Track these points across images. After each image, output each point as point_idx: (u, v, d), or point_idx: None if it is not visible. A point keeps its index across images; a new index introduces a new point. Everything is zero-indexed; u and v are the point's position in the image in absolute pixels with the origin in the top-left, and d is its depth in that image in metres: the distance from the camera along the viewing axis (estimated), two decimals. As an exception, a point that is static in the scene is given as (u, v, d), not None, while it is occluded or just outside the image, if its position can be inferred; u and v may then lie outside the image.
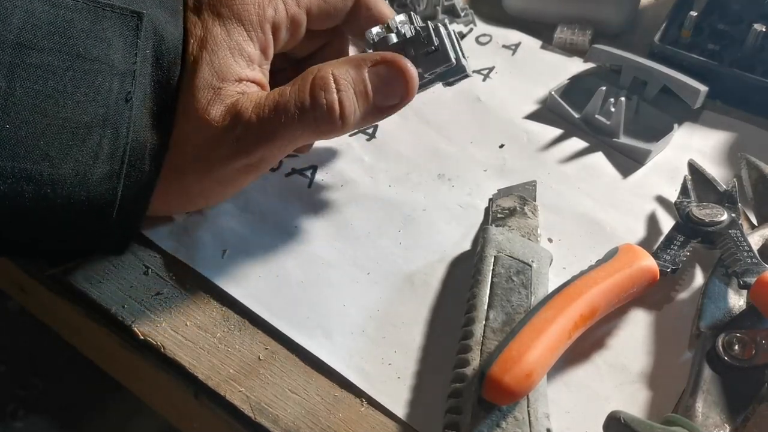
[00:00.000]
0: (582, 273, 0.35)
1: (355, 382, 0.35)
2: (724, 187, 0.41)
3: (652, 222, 0.42)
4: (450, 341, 0.36)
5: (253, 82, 0.36)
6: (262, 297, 0.38)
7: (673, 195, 0.43)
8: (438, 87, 0.38)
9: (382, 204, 0.43)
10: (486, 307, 0.35)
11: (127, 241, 0.39)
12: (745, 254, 0.36)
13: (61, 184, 0.32)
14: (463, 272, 0.39)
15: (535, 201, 0.42)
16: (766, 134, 0.46)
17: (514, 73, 0.51)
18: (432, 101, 0.48)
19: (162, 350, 0.36)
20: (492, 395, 0.31)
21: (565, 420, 0.34)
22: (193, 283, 0.39)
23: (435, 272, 0.40)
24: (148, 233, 0.40)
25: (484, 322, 0.34)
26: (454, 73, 0.38)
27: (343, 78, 0.35)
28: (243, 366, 0.36)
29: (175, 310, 0.38)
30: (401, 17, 0.38)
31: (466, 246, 0.41)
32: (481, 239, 0.38)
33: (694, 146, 0.46)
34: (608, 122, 0.45)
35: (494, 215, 0.41)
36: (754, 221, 0.40)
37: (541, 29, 0.53)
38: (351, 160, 0.45)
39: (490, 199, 0.43)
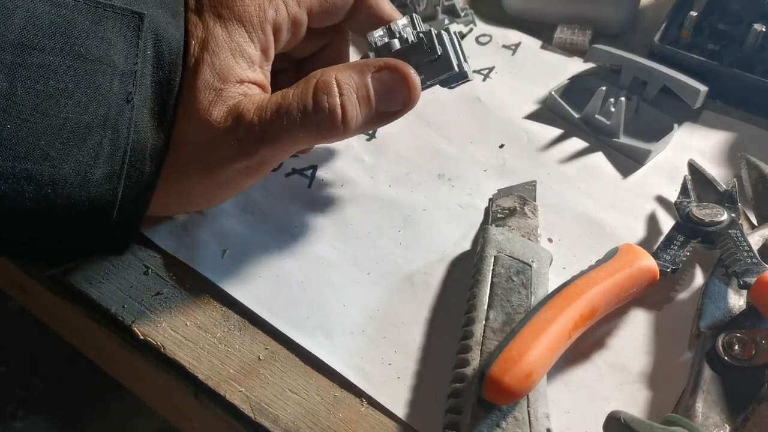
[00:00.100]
0: (582, 273, 0.35)
1: (355, 382, 0.35)
2: (724, 187, 0.41)
3: (652, 222, 0.42)
4: (450, 341, 0.36)
5: (254, 83, 0.36)
6: (262, 297, 0.38)
7: (673, 195, 0.43)
8: (438, 88, 0.38)
9: (382, 204, 0.43)
10: (486, 307, 0.35)
11: (127, 242, 0.39)
12: (745, 254, 0.36)
13: (61, 185, 0.32)
14: (463, 272, 0.39)
15: (535, 201, 0.42)
16: (766, 134, 0.46)
17: (514, 73, 0.51)
18: (432, 102, 0.48)
19: (162, 350, 0.36)
20: (492, 395, 0.31)
21: (565, 420, 0.34)
22: (193, 283, 0.39)
23: (435, 272, 0.40)
24: (148, 233, 0.40)
25: (484, 322, 0.34)
26: (456, 79, 0.38)
27: (346, 82, 0.35)
28: (243, 366, 0.36)
29: (175, 310, 0.38)
30: (403, 21, 0.38)
31: (466, 246, 0.41)
32: (481, 239, 0.38)
33: (694, 146, 0.46)
34: (608, 122, 0.45)
35: (494, 215, 0.41)
36: (754, 221, 0.40)
37: (541, 29, 0.53)
38: (351, 160, 0.45)
39: (490, 199, 0.43)
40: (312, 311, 0.38)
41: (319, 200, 0.43)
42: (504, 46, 0.53)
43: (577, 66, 0.50)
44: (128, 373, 0.45)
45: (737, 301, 0.36)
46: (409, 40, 0.38)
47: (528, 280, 0.36)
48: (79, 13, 0.32)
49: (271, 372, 0.36)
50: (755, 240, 0.38)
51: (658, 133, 0.45)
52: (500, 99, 0.49)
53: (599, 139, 0.46)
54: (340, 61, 0.42)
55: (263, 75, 0.37)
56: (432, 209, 0.43)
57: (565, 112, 0.47)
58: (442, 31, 0.38)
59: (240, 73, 0.35)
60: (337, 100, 0.35)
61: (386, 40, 0.38)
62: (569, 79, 0.49)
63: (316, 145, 0.45)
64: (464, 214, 0.42)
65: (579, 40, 0.52)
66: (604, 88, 0.45)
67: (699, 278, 0.39)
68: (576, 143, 0.46)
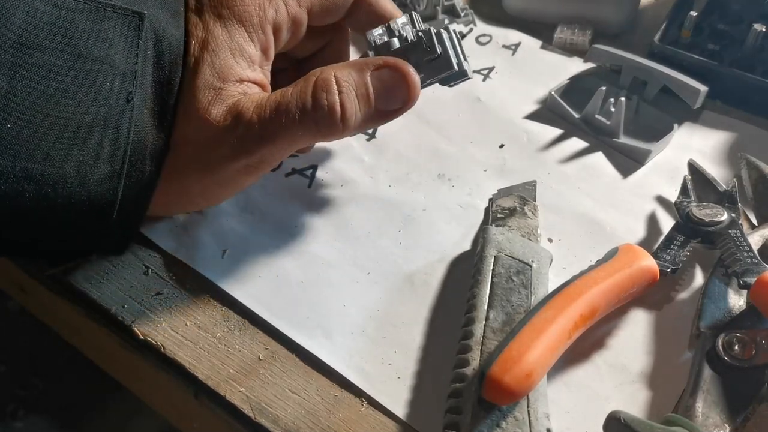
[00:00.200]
0: (582, 273, 0.35)
1: (355, 382, 0.35)
2: (724, 187, 0.41)
3: (652, 222, 0.42)
4: (450, 341, 0.36)
5: (254, 82, 0.36)
6: (262, 297, 0.38)
7: (673, 195, 0.43)
8: (438, 87, 0.38)
9: (382, 204, 0.43)
10: (486, 307, 0.35)
11: (127, 241, 0.39)
12: (745, 254, 0.36)
13: (61, 184, 0.32)
14: (463, 272, 0.39)
15: (535, 201, 0.42)
16: (766, 134, 0.46)
17: (514, 73, 0.51)
18: (432, 101, 0.48)
19: (162, 350, 0.36)
20: (492, 395, 0.31)
21: (565, 420, 0.34)
22: (193, 283, 0.39)
23: (435, 272, 0.40)
24: (148, 233, 0.40)
25: (484, 322, 0.34)
26: (455, 77, 0.38)
27: (345, 80, 0.35)
28: (243, 366, 0.36)
29: (175, 310, 0.38)
30: (403, 19, 0.38)
31: (466, 246, 0.41)
32: (481, 239, 0.38)
33: (694, 146, 0.46)
34: (608, 122, 0.45)
35: (494, 215, 0.41)
36: (754, 221, 0.40)
37: (541, 29, 0.53)
38: (351, 160, 0.45)
39: (490, 199, 0.43)
40: (312, 311, 0.38)
41: (319, 200, 0.43)
42: (504, 46, 0.53)
43: (577, 66, 0.50)
44: (128, 373, 0.45)
45: (737, 301, 0.36)
46: (409, 39, 0.38)
47: (528, 280, 0.36)
48: (80, 13, 0.32)
49: (271, 372, 0.36)
50: (755, 240, 0.38)
51: (658, 133, 0.45)
52: (500, 99, 0.49)
53: (599, 139, 0.46)
54: (340, 61, 0.42)
55: (263, 74, 0.37)
56: (432, 209, 0.43)
57: (565, 112, 0.47)
58: (442, 30, 0.38)
59: (240, 73, 0.35)
60: (336, 97, 0.35)
61: (386, 38, 0.38)
62: (569, 79, 0.49)
63: (315, 145, 0.45)
64: (464, 214, 0.42)
65: (579, 40, 0.52)
66: (604, 88, 0.45)
67: (699, 278, 0.39)
68: (576, 143, 0.46)
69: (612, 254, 0.36)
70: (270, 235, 0.41)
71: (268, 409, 0.35)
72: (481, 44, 0.53)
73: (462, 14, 0.54)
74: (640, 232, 0.41)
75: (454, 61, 0.37)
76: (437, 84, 0.38)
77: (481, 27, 0.54)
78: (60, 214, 0.33)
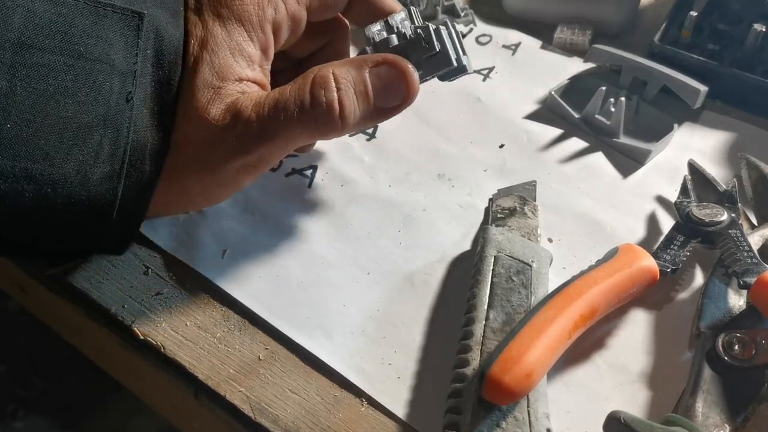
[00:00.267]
0: (582, 273, 0.35)
1: (355, 382, 0.35)
2: (724, 187, 0.41)
3: (652, 222, 0.42)
4: (450, 341, 0.36)
5: (253, 82, 0.36)
6: (262, 297, 0.38)
7: (673, 195, 0.43)
8: (438, 87, 0.38)
9: (382, 204, 0.43)
10: (486, 307, 0.35)
11: (127, 242, 0.39)
12: (745, 254, 0.36)
13: (61, 184, 0.32)
14: (463, 272, 0.39)
15: (535, 201, 0.42)
16: (766, 134, 0.46)
17: (514, 73, 0.51)
18: (432, 101, 0.48)
19: (162, 350, 0.36)
20: (492, 395, 0.31)
21: (565, 420, 0.34)
22: (193, 283, 0.39)
23: (435, 272, 0.40)
24: (148, 233, 0.40)
25: (484, 322, 0.34)
26: (454, 73, 0.38)
27: (343, 77, 0.35)
28: (243, 366, 0.36)
29: (175, 310, 0.38)
30: (401, 15, 0.38)
31: (466, 246, 0.41)
32: (481, 239, 0.38)
33: (694, 146, 0.46)
34: (608, 122, 0.45)
35: (494, 215, 0.41)
36: (754, 221, 0.40)
37: (541, 29, 0.53)
38: (351, 160, 0.45)
39: (490, 199, 0.43)
40: (312, 311, 0.38)
41: (319, 200, 0.43)
42: (504, 46, 0.53)
43: (577, 66, 0.50)
44: (128, 373, 0.45)
45: (737, 301, 0.36)
46: (408, 36, 0.37)
47: (528, 280, 0.36)
48: (79, 13, 0.32)
49: (271, 372, 0.36)
50: (755, 240, 0.38)
51: (658, 133, 0.45)
52: (500, 99, 0.49)
53: (599, 139, 0.46)
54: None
55: (263, 74, 0.37)
56: (432, 209, 0.43)
57: (565, 112, 0.47)
58: (440, 26, 0.38)
59: (239, 72, 0.35)
60: (335, 94, 0.35)
61: (384, 35, 0.38)
62: (569, 79, 0.49)
63: (315, 145, 0.45)
64: (464, 214, 0.42)
65: (579, 40, 0.52)
66: (604, 88, 0.45)
67: (699, 278, 0.39)
68: (576, 143, 0.46)
69: (612, 254, 0.36)
70: (270, 235, 0.41)
71: (268, 409, 0.34)
72: (481, 44, 0.53)
73: (462, 14, 0.54)
74: (640, 232, 0.41)
75: (453, 57, 0.37)
76: (437, 84, 0.38)
77: (481, 27, 0.54)
78: (60, 214, 0.33)
